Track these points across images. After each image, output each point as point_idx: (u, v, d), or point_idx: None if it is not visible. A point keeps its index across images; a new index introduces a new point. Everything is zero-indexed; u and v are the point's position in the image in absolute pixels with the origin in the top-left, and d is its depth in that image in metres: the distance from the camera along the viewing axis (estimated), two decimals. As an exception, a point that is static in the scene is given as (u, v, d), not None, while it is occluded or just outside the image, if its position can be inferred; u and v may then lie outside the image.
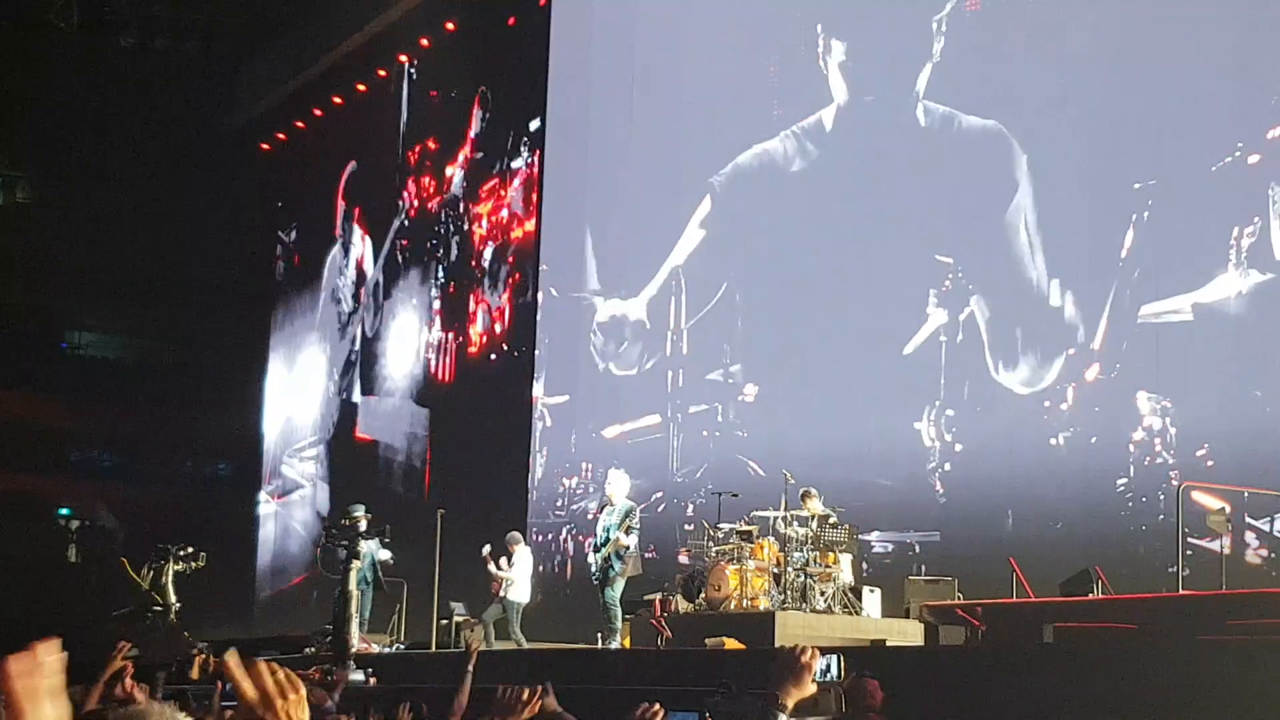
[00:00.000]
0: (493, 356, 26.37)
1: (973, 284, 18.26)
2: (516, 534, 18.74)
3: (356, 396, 30.26)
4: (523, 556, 18.43)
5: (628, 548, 15.88)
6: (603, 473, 22.59)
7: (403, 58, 28.96)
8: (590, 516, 22.21)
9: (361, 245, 30.80)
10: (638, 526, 16.14)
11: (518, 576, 18.21)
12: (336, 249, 31.81)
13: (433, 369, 28.15)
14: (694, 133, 22.34)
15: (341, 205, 31.69)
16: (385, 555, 18.13)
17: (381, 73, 29.54)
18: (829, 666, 9.85)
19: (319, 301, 32.40)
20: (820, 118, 20.31)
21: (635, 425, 22.47)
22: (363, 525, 16.95)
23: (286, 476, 33.07)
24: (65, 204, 32.38)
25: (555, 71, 24.87)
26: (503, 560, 18.26)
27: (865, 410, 19.26)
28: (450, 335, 27.64)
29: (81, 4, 30.35)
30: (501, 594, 18.07)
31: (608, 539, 15.98)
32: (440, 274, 28.23)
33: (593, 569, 16.19)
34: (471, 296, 27.06)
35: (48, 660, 2.65)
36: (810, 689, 4.52)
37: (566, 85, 24.74)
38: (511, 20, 26.21)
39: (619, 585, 15.94)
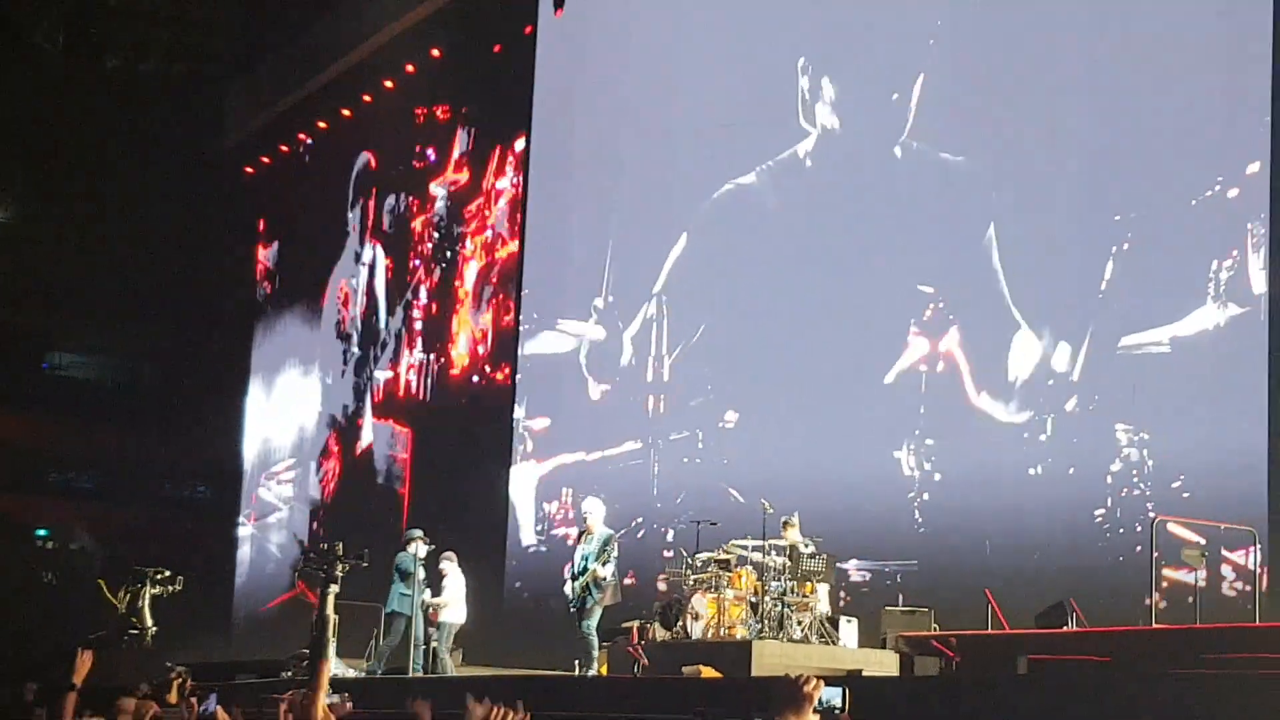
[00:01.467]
0: (475, 379, 26.37)
1: (954, 314, 18.32)
2: (449, 553, 18.57)
3: (366, 419, 30.00)
4: (454, 577, 18.34)
5: (605, 579, 15.84)
6: (583, 498, 22.63)
7: (388, 83, 28.98)
8: (569, 543, 22.20)
9: (374, 258, 30.26)
10: (616, 556, 16.11)
11: (450, 598, 18.13)
12: (352, 266, 31.18)
13: (414, 390, 28.11)
14: (677, 162, 22.40)
15: (354, 212, 31.09)
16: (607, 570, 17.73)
17: (367, 98, 29.57)
18: (832, 698, 9.82)
19: (314, 322, 32.09)
20: (800, 149, 20.39)
21: (616, 451, 22.47)
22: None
23: (263, 500, 32.94)
24: (48, 225, 32.37)
25: (540, 100, 24.96)
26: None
27: (845, 439, 19.29)
28: (431, 356, 27.61)
29: (67, 26, 30.39)
30: (438, 619, 18.04)
31: (585, 568, 15.95)
32: (422, 294, 28.21)
33: (570, 598, 16.15)
34: (454, 317, 27.04)
35: None
36: (811, 718, 4.50)
37: (551, 114, 24.82)
38: (497, 47, 26.29)
39: (596, 614, 15.91)
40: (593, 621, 15.82)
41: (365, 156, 30.88)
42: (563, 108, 24.64)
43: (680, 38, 22.72)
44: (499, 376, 25.57)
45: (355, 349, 30.57)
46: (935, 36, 19.06)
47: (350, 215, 31.19)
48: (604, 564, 15.88)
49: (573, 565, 16.36)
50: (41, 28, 30.56)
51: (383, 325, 29.59)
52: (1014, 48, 18.32)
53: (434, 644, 18.93)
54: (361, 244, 30.79)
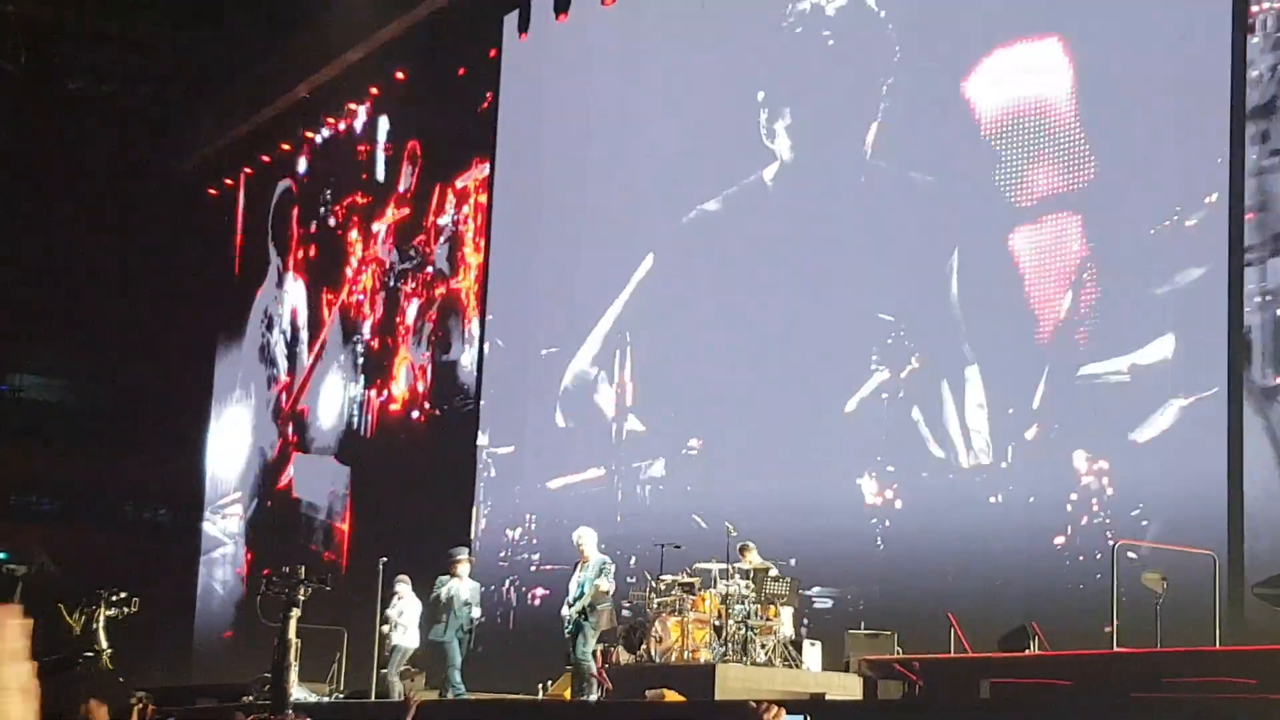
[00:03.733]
0: (414, 414, 26.34)
1: (914, 341, 18.43)
2: (403, 577, 18.49)
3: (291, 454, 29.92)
4: (408, 600, 18.31)
5: (608, 593, 15.64)
6: (546, 523, 22.62)
7: (352, 105, 29.01)
8: (533, 568, 22.22)
9: (295, 292, 30.58)
10: (612, 578, 15.94)
11: (407, 622, 18.11)
12: (269, 297, 31.45)
13: (355, 426, 28.06)
14: (641, 187, 22.46)
15: (272, 245, 31.49)
16: (478, 613, 17.60)
17: (330, 120, 29.60)
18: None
19: (244, 352, 32.13)
20: (762, 177, 20.51)
21: (580, 477, 22.48)
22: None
23: (208, 534, 32.58)
24: (9, 246, 32.18)
25: (504, 123, 25.01)
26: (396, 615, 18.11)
27: (807, 465, 19.36)
28: (373, 393, 27.59)
29: (29, 46, 30.28)
30: (391, 642, 18.01)
31: (581, 594, 15.74)
32: (364, 330, 28.19)
33: (566, 624, 15.95)
34: (395, 354, 27.06)
35: (9, 624, 2.63)
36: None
37: (515, 137, 24.87)
38: (461, 70, 26.35)
39: (591, 640, 15.68)
40: (588, 648, 15.61)
41: (286, 183, 31.02)
42: (527, 131, 24.69)
43: (646, 61, 22.81)
44: (439, 411, 25.61)
45: (274, 372, 30.57)
46: (897, 66, 19.19)
47: (270, 246, 31.33)
48: (606, 579, 15.68)
49: (568, 593, 16.16)
50: (3, 49, 30.42)
51: (303, 362, 29.59)
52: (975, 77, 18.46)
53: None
54: (283, 273, 30.90)
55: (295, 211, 30.93)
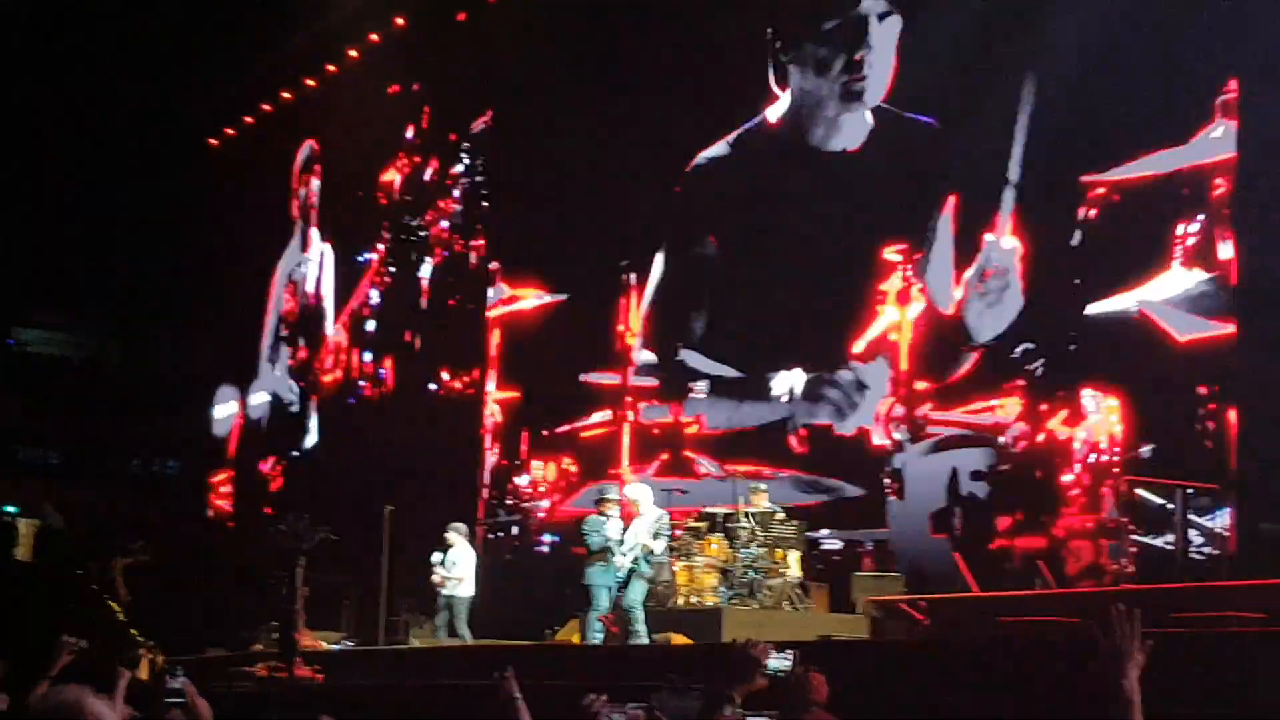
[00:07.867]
0: (431, 385, 26.10)
1: (922, 280, 18.34)
2: (458, 525, 18.24)
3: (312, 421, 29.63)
4: (463, 551, 18.07)
5: (653, 552, 15.37)
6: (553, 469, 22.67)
7: (352, 53, 28.66)
8: (541, 514, 22.24)
9: (323, 259, 29.91)
10: (667, 533, 15.69)
11: (462, 573, 17.94)
12: (295, 264, 30.85)
13: (367, 382, 27.89)
14: (645, 128, 22.26)
15: (297, 205, 30.91)
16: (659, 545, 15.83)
17: (331, 68, 29.27)
18: (782, 661, 9.84)
19: (271, 312, 31.58)
20: (770, 115, 20.37)
21: (585, 422, 22.45)
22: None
23: None
24: (10, 199, 32.06)
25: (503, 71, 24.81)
26: (437, 563, 17.97)
27: (816, 407, 19.30)
28: (384, 358, 27.39)
29: (31, -4, 30.11)
30: (448, 592, 17.78)
31: (636, 544, 15.45)
32: (374, 294, 27.90)
33: (618, 572, 15.67)
34: (409, 307, 26.83)
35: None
36: (760, 683, 4.62)
37: (519, 81, 24.65)
38: (461, 15, 26.06)
39: (641, 588, 15.33)
40: (636, 596, 15.23)
41: (309, 146, 30.47)
42: (529, 75, 24.42)
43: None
44: (455, 373, 25.39)
45: (288, 345, 30.10)
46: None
47: (294, 204, 30.80)
48: (655, 538, 15.34)
49: (623, 542, 15.83)
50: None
51: (329, 330, 29.07)
52: (980, 13, 18.29)
53: (406, 616, 18.92)
54: (306, 236, 30.40)
55: (317, 170, 30.31)
